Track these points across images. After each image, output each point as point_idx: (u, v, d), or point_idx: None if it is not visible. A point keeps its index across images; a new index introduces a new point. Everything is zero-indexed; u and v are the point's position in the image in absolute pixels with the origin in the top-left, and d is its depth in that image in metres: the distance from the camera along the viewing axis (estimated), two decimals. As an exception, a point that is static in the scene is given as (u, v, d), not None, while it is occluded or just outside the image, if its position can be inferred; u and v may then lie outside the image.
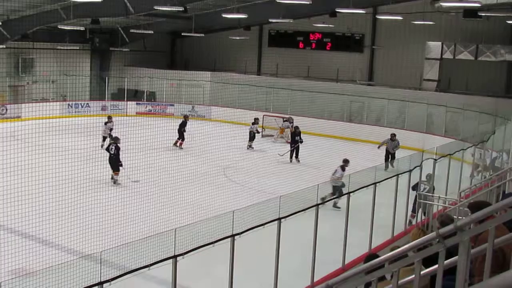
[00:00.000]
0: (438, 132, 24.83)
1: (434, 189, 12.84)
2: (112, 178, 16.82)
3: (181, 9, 22.79)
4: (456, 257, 3.31)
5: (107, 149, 17.32)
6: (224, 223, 8.02)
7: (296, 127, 22.08)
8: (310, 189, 9.86)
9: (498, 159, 16.64)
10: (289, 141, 22.69)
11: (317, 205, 9.62)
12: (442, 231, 3.34)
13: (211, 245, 7.80)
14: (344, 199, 11.69)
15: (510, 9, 22.10)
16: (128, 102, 31.50)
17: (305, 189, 10.12)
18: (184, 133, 22.68)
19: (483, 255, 3.38)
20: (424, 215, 12.32)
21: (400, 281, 3.82)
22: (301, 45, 32.07)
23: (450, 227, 3.31)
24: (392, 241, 11.31)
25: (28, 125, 15.03)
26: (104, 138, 21.38)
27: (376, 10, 28.46)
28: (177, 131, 22.68)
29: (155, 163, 16.72)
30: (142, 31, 29.44)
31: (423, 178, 12.90)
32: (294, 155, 21.44)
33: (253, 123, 23.85)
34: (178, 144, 22.75)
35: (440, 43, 26.72)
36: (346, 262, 10.21)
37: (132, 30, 30.22)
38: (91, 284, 6.52)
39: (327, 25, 28.86)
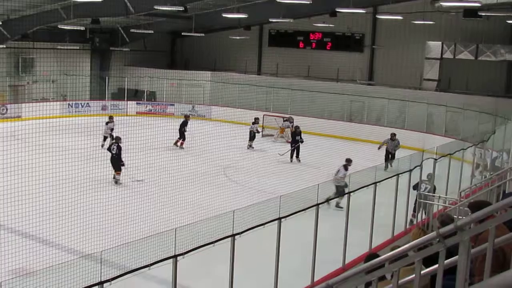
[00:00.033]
0: (438, 132, 24.84)
1: (435, 189, 12.85)
2: (114, 177, 16.80)
3: (181, 8, 22.79)
4: (457, 256, 3.31)
5: (109, 149, 17.31)
6: (224, 223, 8.02)
7: (297, 127, 22.08)
8: (310, 188, 9.85)
9: (498, 158, 16.64)
10: (290, 140, 22.70)
11: (318, 204, 9.62)
12: (443, 230, 3.34)
13: (212, 245, 7.80)
14: (344, 199, 11.71)
15: (510, 9, 22.09)
16: (128, 101, 31.49)
17: (305, 189, 10.13)
18: (185, 133, 22.69)
19: (483, 254, 3.38)
20: (425, 214, 12.31)
21: (401, 281, 3.82)
22: (301, 44, 32.06)
23: (450, 226, 3.31)
24: (392, 241, 11.30)
25: (28, 124, 15.04)
26: (105, 138, 21.39)
27: (376, 9, 28.47)
28: (178, 130, 22.69)
29: (156, 162, 16.71)
30: (142, 31, 29.43)
31: (424, 178, 12.91)
32: (295, 154, 21.45)
33: (253, 123, 23.85)
34: (178, 143, 22.75)
35: (440, 42, 26.73)
36: (347, 261, 10.21)
37: (132, 30, 30.22)
38: (92, 283, 6.53)
39: (327, 25, 28.86)
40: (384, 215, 11.92)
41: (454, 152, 14.15)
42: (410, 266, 3.81)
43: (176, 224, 8.38)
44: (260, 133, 24.83)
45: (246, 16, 25.24)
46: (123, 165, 16.73)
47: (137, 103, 31.70)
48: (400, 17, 24.55)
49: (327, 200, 11.78)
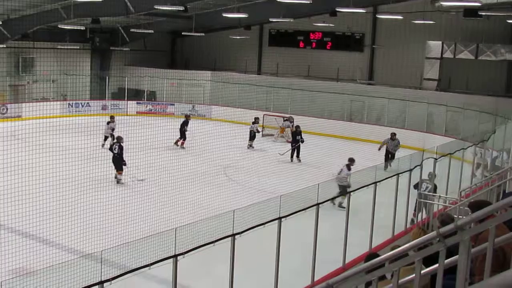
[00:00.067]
0: (439, 132, 24.83)
1: (436, 188, 12.85)
2: (115, 177, 16.79)
3: (181, 8, 22.79)
4: (457, 256, 3.31)
5: (111, 149, 17.31)
6: (224, 223, 8.02)
7: (297, 127, 22.07)
8: (311, 188, 9.85)
9: (499, 158, 16.64)
10: (290, 140, 22.70)
11: (318, 204, 9.62)
12: (443, 230, 3.34)
13: (212, 245, 7.80)
14: (345, 198, 11.71)
15: (510, 9, 22.08)
16: (128, 101, 31.50)
17: (306, 189, 10.14)
18: (186, 132, 22.69)
19: (484, 254, 3.38)
20: (426, 214, 12.31)
21: (401, 281, 3.82)
22: (301, 44, 32.06)
23: (450, 226, 3.31)
24: (393, 241, 11.31)
25: (29, 124, 15.05)
26: (106, 138, 21.40)
27: (376, 9, 28.47)
28: (179, 130, 22.68)
29: (156, 162, 16.72)
30: (143, 31, 29.43)
31: (425, 177, 12.91)
32: (295, 154, 21.45)
33: (253, 123, 23.85)
34: (179, 143, 22.75)
35: (440, 42, 26.72)
36: (347, 261, 10.22)
37: (132, 30, 30.22)
38: (92, 283, 6.53)
39: (327, 25, 28.86)
40: (384, 215, 11.93)
41: (454, 152, 14.15)
42: (410, 265, 3.81)
43: (176, 224, 8.38)
44: (260, 132, 24.82)
45: (246, 16, 25.24)
46: (125, 164, 16.72)
47: (137, 103, 31.70)
48: (400, 17, 24.55)
49: (332, 199, 11.76)
